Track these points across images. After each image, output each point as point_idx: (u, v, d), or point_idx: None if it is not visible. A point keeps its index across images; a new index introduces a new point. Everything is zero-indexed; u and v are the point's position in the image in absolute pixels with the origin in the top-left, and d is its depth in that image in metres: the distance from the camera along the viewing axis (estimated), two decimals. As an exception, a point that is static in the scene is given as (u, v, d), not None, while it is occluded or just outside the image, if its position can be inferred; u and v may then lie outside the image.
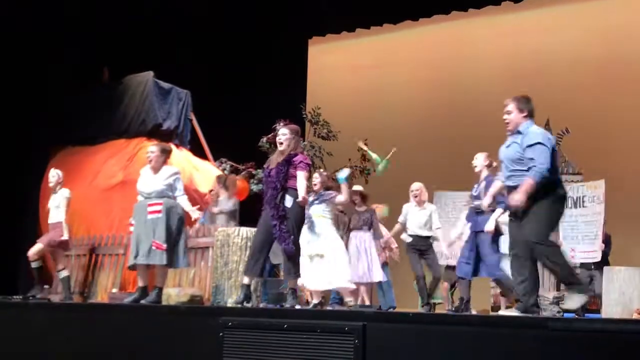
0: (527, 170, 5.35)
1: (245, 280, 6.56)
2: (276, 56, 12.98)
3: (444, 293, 9.35)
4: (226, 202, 9.07)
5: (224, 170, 10.96)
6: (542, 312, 5.92)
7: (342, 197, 7.57)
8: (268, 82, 12.72)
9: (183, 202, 7.18)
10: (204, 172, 10.35)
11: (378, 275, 8.64)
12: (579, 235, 9.20)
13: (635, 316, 7.02)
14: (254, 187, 10.40)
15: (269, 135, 10.26)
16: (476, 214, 7.43)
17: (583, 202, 9.29)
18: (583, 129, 11.46)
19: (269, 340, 5.28)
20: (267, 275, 8.09)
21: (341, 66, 14.26)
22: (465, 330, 4.63)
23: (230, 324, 5.51)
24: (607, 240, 9.24)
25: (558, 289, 10.62)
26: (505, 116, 5.54)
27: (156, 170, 7.21)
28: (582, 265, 9.38)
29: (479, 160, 7.42)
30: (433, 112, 12.91)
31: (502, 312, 6.07)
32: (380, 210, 9.46)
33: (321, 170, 8.58)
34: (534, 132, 5.43)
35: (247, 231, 7.68)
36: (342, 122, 12.26)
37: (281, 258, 7.09)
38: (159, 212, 7.01)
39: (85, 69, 11.47)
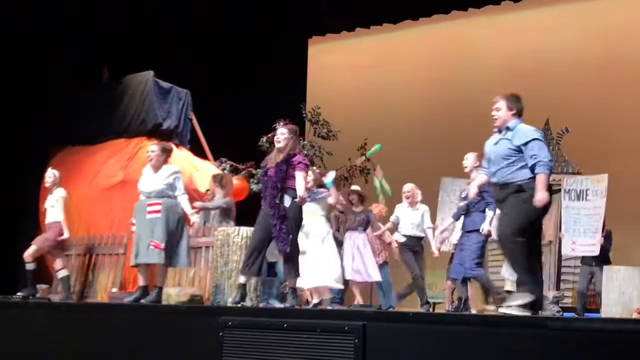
0: (522, 168, 5.36)
1: (242, 279, 6.57)
2: (276, 56, 12.98)
3: (447, 292, 9.37)
4: (221, 200, 9.08)
5: (223, 169, 10.96)
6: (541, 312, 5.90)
7: (331, 199, 7.69)
8: (268, 82, 12.72)
9: (183, 202, 7.18)
10: (204, 172, 10.34)
11: (375, 275, 8.67)
12: (581, 228, 9.22)
13: (635, 316, 7.03)
14: (254, 187, 10.41)
15: (269, 135, 10.25)
16: (465, 215, 7.46)
17: (586, 195, 9.32)
18: (583, 129, 11.47)
19: (269, 339, 5.29)
20: (266, 274, 8.09)
21: (341, 66, 14.26)
22: (465, 329, 4.63)
23: (230, 323, 5.52)
24: (607, 236, 9.24)
25: (558, 289, 10.64)
26: (494, 112, 5.59)
27: (156, 169, 7.22)
28: (584, 261, 9.37)
29: (470, 161, 7.42)
30: (433, 112, 12.91)
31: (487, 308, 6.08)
32: (381, 209, 9.47)
33: (314, 168, 8.59)
34: (526, 129, 5.48)
35: (247, 230, 7.67)
36: (342, 121, 12.27)
37: (277, 257, 7.12)
38: (157, 212, 7.03)
39: (85, 69, 11.45)
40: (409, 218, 8.48)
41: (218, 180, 9.13)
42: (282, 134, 6.58)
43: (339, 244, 8.75)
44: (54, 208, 8.52)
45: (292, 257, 6.47)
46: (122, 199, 9.48)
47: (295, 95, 12.67)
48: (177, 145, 10.45)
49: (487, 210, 7.20)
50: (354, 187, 9.45)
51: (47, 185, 8.70)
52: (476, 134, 5.88)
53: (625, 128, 11.19)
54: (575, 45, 11.98)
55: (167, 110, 10.80)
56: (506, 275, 8.07)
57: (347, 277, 8.43)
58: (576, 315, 8.32)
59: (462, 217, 7.60)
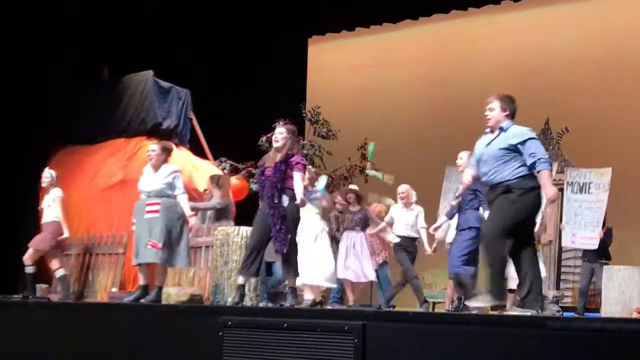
0: (513, 169, 5.38)
1: (240, 280, 6.57)
2: (276, 55, 12.97)
3: (449, 291, 9.37)
4: (215, 200, 9.08)
5: (223, 169, 10.97)
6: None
7: (324, 203, 7.76)
8: (268, 81, 12.71)
9: (183, 203, 7.18)
10: (204, 172, 10.33)
11: (370, 275, 8.69)
12: (582, 221, 9.21)
13: (634, 315, 7.03)
14: (254, 187, 10.40)
15: (269, 135, 10.22)
16: (459, 213, 7.47)
17: (589, 188, 9.31)
18: (582, 128, 11.48)
19: (268, 339, 5.29)
20: (265, 274, 8.10)
21: (341, 65, 14.26)
22: (464, 329, 4.64)
23: (230, 323, 5.52)
24: (608, 233, 9.23)
25: (558, 288, 10.65)
26: (488, 112, 5.60)
27: (157, 168, 7.23)
28: (585, 256, 9.33)
29: (464, 160, 7.41)
30: (433, 111, 12.90)
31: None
32: (380, 208, 9.47)
33: (309, 167, 8.62)
34: (521, 129, 5.50)
35: (247, 230, 7.67)
36: (342, 121, 12.28)
37: (274, 257, 7.13)
38: (156, 211, 7.03)
39: (85, 69, 11.45)
40: (404, 219, 8.51)
41: (215, 180, 9.15)
42: (280, 133, 6.58)
43: (339, 243, 8.78)
44: (50, 208, 8.56)
45: (290, 256, 6.47)
46: (121, 199, 9.48)
47: (295, 95, 12.67)
48: (176, 145, 10.44)
49: (481, 208, 7.20)
50: (352, 187, 9.46)
51: (43, 185, 8.74)
52: (476, 133, 5.87)
53: (625, 128, 11.19)
54: (575, 45, 11.97)
55: (166, 109, 10.80)
56: (510, 273, 8.07)
57: (339, 275, 8.46)
58: (576, 315, 8.32)
59: (456, 216, 7.62)
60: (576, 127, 11.62)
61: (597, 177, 9.23)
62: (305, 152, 11.42)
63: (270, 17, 12.49)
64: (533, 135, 5.46)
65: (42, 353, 6.74)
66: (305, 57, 14.18)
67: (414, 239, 8.51)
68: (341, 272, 8.47)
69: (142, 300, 6.94)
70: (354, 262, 8.56)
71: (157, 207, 7.04)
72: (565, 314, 7.80)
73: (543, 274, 8.64)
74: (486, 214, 7.14)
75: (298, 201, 6.41)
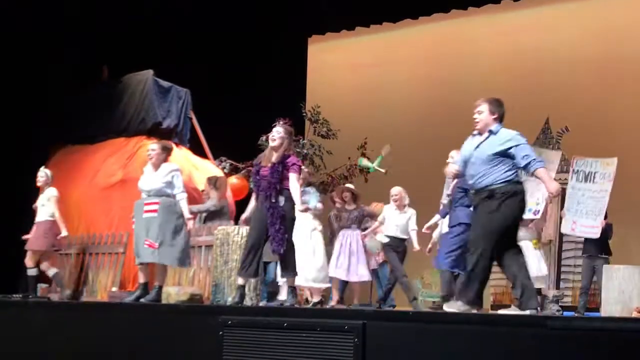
0: (499, 173, 5.41)
1: (240, 281, 6.57)
2: (276, 55, 12.98)
3: None
4: (211, 202, 9.09)
5: (223, 168, 10.97)
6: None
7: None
8: (268, 81, 12.72)
9: (182, 204, 7.17)
10: (204, 171, 10.34)
11: (364, 275, 8.70)
12: (584, 210, 9.15)
13: (634, 315, 7.02)
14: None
15: (269, 134, 10.25)
16: (450, 210, 7.48)
17: (594, 177, 9.27)
18: (582, 128, 11.47)
19: (268, 339, 5.29)
20: (264, 273, 8.12)
21: (341, 65, 14.25)
22: (464, 328, 4.64)
23: (230, 322, 5.52)
24: (608, 227, 9.20)
25: (558, 288, 10.64)
26: (476, 116, 5.63)
27: (157, 167, 7.23)
28: (585, 248, 9.29)
29: (455, 159, 7.42)
30: (433, 111, 12.89)
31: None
32: (380, 208, 9.48)
33: (302, 167, 8.66)
34: (511, 133, 5.53)
35: (247, 229, 7.66)
36: (341, 120, 12.27)
37: (271, 257, 7.15)
38: (154, 211, 7.03)
39: (85, 69, 11.46)
40: (395, 220, 8.56)
41: (213, 182, 9.17)
42: (277, 132, 6.58)
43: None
44: (44, 207, 8.61)
45: (288, 256, 6.47)
46: (121, 198, 9.48)
47: (295, 94, 12.67)
48: (176, 144, 10.45)
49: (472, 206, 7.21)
50: (348, 185, 9.49)
51: (39, 184, 8.78)
52: (476, 132, 5.87)
53: (625, 127, 11.18)
54: (575, 45, 11.96)
55: (166, 109, 10.81)
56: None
57: (330, 274, 8.49)
58: (576, 314, 8.32)
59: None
60: (576, 126, 11.61)
61: (603, 167, 9.20)
62: (305, 151, 11.42)
63: (270, 17, 12.49)
64: (524, 140, 5.51)
65: (42, 353, 6.74)
66: (305, 57, 14.19)
67: (403, 240, 8.57)
68: (332, 270, 8.50)
69: (142, 300, 6.94)
70: (346, 261, 8.58)
71: (155, 207, 7.04)
72: (565, 313, 7.80)
73: (544, 272, 8.70)
74: None
75: (301, 208, 6.46)
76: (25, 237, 8.78)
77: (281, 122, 6.75)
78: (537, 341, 4.29)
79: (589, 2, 12.06)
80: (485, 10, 12.38)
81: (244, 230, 7.68)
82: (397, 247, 8.52)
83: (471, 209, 7.17)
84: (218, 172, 10.39)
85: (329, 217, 9.28)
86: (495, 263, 5.58)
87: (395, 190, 8.67)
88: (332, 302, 8.71)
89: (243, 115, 12.17)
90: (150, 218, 7.03)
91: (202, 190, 9.59)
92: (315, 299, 7.73)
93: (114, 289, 8.88)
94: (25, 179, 10.45)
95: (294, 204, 6.45)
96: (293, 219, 6.55)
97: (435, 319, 5.07)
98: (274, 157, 6.50)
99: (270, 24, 12.62)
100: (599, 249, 9.07)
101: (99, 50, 11.40)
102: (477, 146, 5.58)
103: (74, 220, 9.75)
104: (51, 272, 8.67)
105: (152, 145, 7.43)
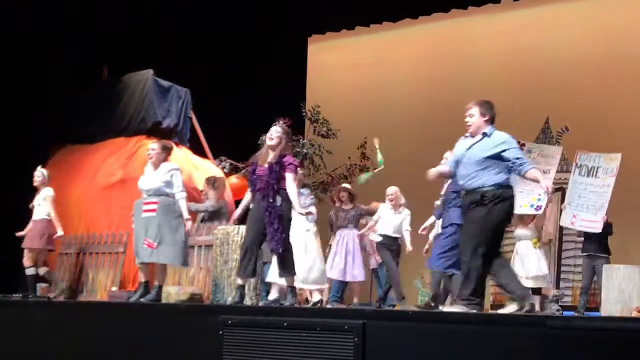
0: (491, 175, 5.44)
1: (240, 281, 6.57)
2: (276, 54, 12.98)
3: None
4: (209, 202, 9.09)
5: (223, 168, 10.98)
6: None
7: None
8: (268, 81, 12.72)
9: (181, 204, 7.16)
10: (203, 171, 10.34)
11: (358, 275, 8.71)
12: (585, 204, 9.15)
13: (634, 314, 7.02)
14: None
15: (268, 134, 10.26)
16: (443, 211, 7.49)
17: (596, 172, 9.27)
18: (582, 128, 11.46)
19: (268, 338, 5.29)
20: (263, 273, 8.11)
21: (341, 64, 14.25)
22: (464, 328, 4.63)
23: (230, 322, 5.52)
24: (608, 226, 9.20)
25: (557, 287, 10.65)
26: (468, 119, 5.68)
27: (157, 167, 7.23)
28: (585, 247, 9.28)
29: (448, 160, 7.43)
30: (433, 110, 12.89)
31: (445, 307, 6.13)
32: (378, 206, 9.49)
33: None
34: (504, 136, 5.56)
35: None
36: (341, 120, 12.28)
37: (268, 257, 7.14)
38: (153, 210, 7.03)
39: (85, 69, 11.46)
40: (390, 220, 8.58)
41: (211, 182, 9.18)
42: (275, 131, 6.55)
43: None
44: (40, 206, 8.68)
45: (286, 256, 6.47)
46: (121, 198, 9.48)
47: (295, 94, 12.68)
48: (176, 144, 10.45)
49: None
50: (344, 185, 9.50)
51: (35, 184, 8.83)
52: (476, 133, 5.87)
53: (625, 127, 11.18)
54: (575, 44, 11.96)
55: (166, 108, 10.80)
56: (520, 272, 8.13)
57: (331, 275, 8.50)
58: (576, 313, 8.32)
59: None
60: (576, 126, 11.61)
61: (606, 162, 9.20)
62: (305, 151, 11.43)
63: (270, 16, 12.50)
64: (515, 144, 5.58)
65: (42, 353, 6.74)
66: (305, 57, 14.19)
67: (396, 238, 8.59)
68: (328, 270, 8.49)
69: (142, 300, 6.94)
70: (342, 261, 8.59)
71: (154, 207, 7.04)
72: (565, 313, 7.81)
73: (544, 271, 8.71)
74: None
75: (302, 212, 6.47)
76: (19, 234, 8.82)
77: (281, 122, 6.73)
78: (537, 341, 4.29)
79: (589, 2, 12.06)
80: (485, 10, 12.38)
81: (244, 229, 7.68)
82: (391, 245, 8.55)
83: None
84: (218, 172, 10.40)
85: (329, 216, 9.29)
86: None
87: (391, 189, 8.69)
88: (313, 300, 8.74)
89: (243, 115, 12.17)
90: (149, 217, 7.03)
91: (201, 191, 9.59)
92: (315, 298, 7.73)
93: (113, 288, 8.88)
94: (25, 179, 10.46)
95: (290, 203, 6.44)
96: (290, 219, 6.54)
97: (435, 318, 5.06)
98: (271, 156, 6.48)
99: (270, 24, 12.63)
100: (598, 247, 9.07)
101: (99, 50, 11.40)
102: (470, 147, 5.60)
103: (73, 220, 9.75)
104: (42, 270, 8.73)
105: (152, 145, 7.43)
